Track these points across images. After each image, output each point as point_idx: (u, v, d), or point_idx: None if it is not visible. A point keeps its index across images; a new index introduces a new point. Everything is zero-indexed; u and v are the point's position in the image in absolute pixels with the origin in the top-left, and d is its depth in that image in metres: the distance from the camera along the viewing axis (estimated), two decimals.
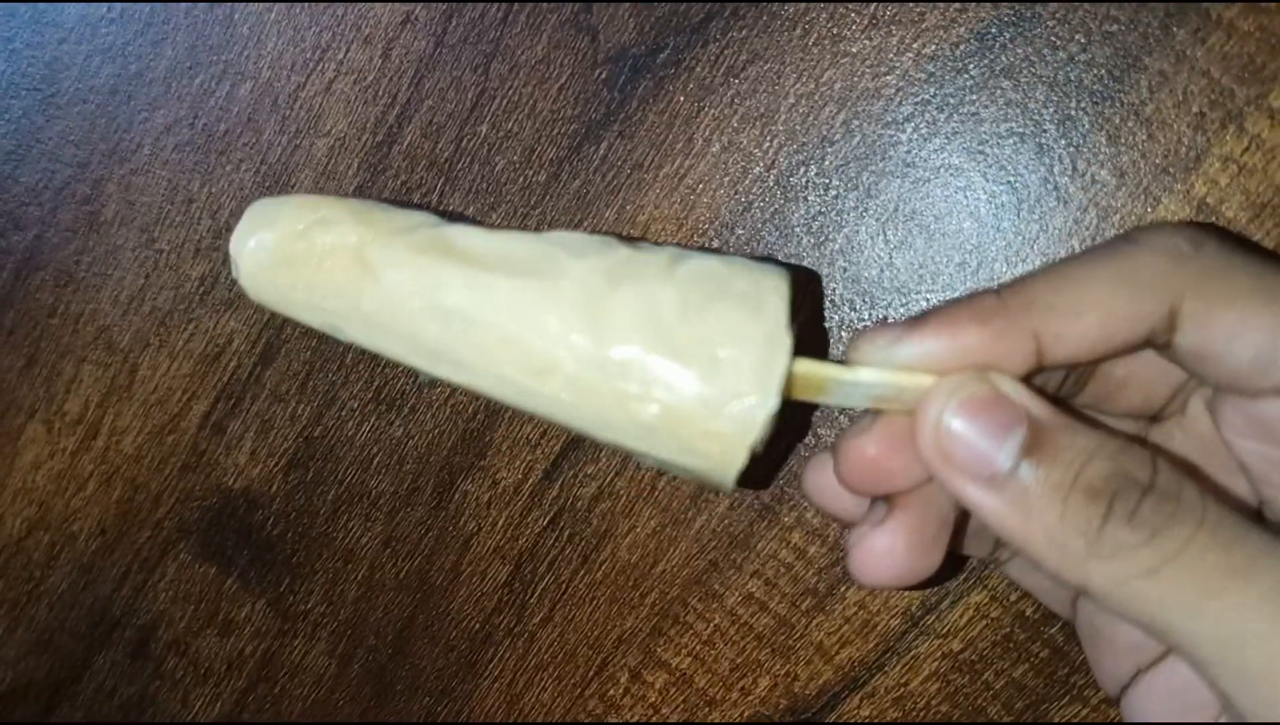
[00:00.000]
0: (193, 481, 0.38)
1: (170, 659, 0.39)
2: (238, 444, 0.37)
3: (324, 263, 0.23)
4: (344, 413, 0.35)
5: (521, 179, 0.32)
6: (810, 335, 0.30)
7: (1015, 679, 0.30)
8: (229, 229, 0.36)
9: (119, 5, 0.37)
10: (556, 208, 0.32)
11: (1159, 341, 0.20)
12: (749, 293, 0.22)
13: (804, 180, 0.30)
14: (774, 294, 0.22)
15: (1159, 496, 0.18)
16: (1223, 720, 0.21)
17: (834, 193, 0.29)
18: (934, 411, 0.20)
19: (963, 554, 0.27)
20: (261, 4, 0.34)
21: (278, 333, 0.36)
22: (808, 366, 0.21)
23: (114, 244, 0.37)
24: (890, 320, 0.21)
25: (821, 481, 0.25)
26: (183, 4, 0.36)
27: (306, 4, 0.34)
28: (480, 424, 0.34)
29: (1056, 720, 0.30)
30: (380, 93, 0.33)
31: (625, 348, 0.21)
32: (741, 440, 0.21)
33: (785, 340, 0.21)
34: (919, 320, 0.20)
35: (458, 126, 0.33)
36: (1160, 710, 0.23)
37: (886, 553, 0.22)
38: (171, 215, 0.37)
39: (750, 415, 0.21)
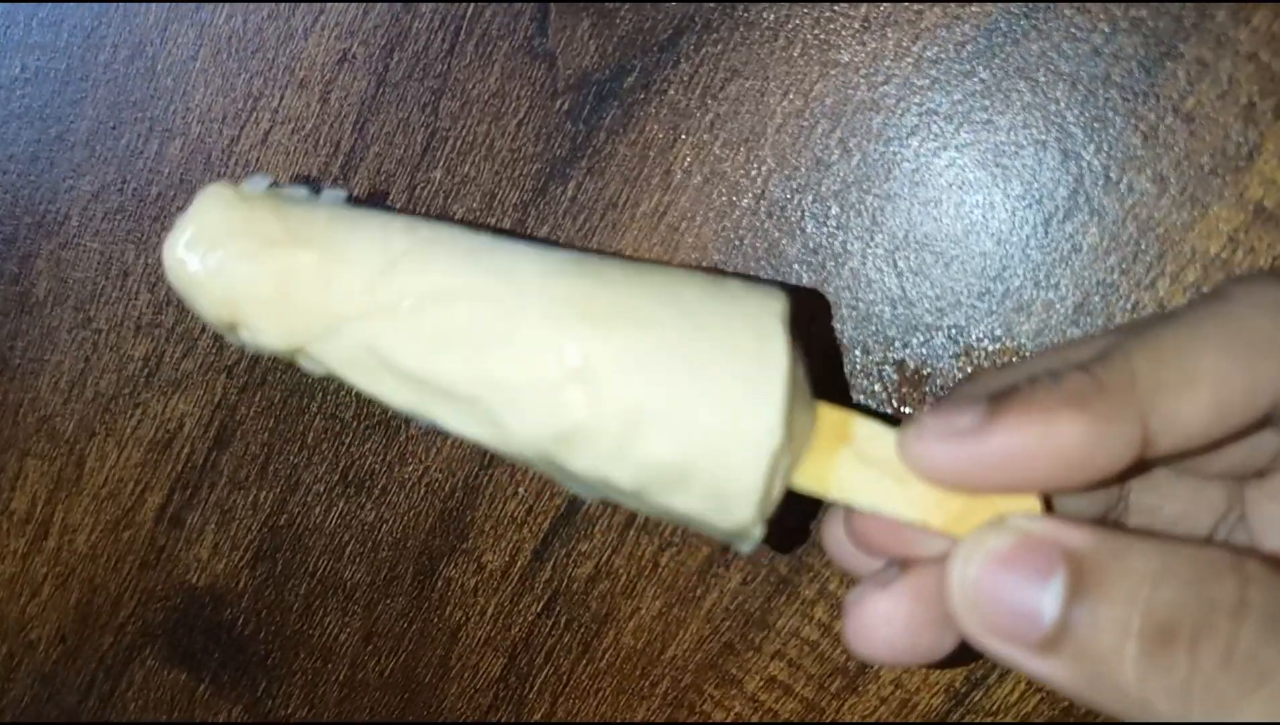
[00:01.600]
0: (154, 579, 0.35)
1: None
2: (198, 537, 0.34)
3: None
4: (309, 497, 0.33)
5: (488, 221, 0.29)
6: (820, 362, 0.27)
7: None
8: (169, 302, 0.33)
9: (32, 65, 0.34)
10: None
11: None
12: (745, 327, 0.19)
13: (800, 209, 0.27)
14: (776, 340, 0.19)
15: (1261, 621, 0.15)
16: None
17: (835, 221, 0.27)
18: (958, 580, 0.17)
19: None
20: (186, 55, 0.32)
21: (231, 413, 0.33)
22: (833, 414, 0.19)
23: (49, 325, 0.35)
24: (946, 403, 0.18)
25: (841, 535, 0.22)
26: (100, 59, 0.33)
27: (235, 51, 0.31)
28: (459, 503, 0.31)
29: None
30: (321, 141, 0.31)
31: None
32: (753, 487, 0.18)
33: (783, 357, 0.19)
34: (998, 405, 0.17)
35: (409, 173, 0.30)
36: None
37: (884, 621, 0.19)
38: (107, 291, 0.34)
39: (756, 457, 0.18)
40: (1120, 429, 0.16)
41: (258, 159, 0.32)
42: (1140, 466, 0.17)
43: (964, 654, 0.19)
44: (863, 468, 0.19)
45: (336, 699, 0.34)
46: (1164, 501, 0.20)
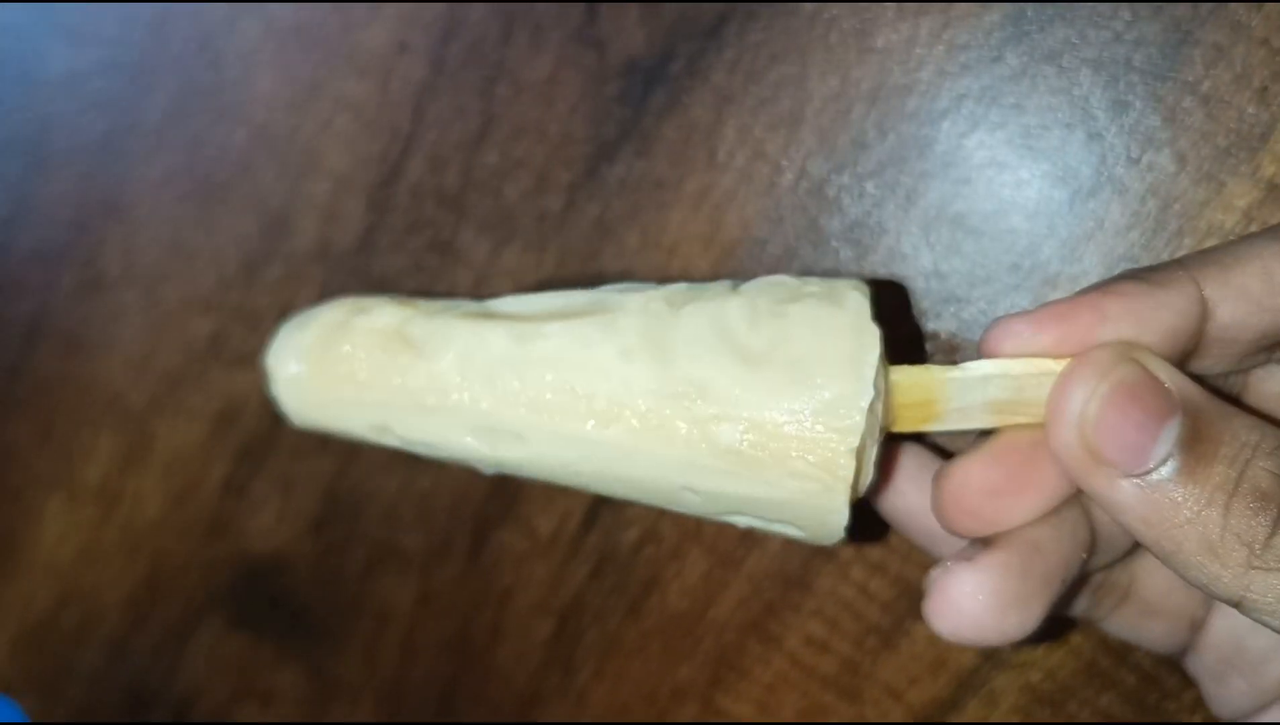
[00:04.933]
0: (219, 548, 0.39)
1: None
2: (261, 506, 0.38)
3: (364, 351, 0.24)
4: (367, 466, 0.36)
5: (535, 208, 0.33)
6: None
7: (1101, 709, 0.30)
8: (236, 282, 0.37)
9: (105, 57, 0.38)
10: (575, 236, 0.32)
11: None
12: (823, 292, 0.22)
13: (838, 188, 0.30)
14: (852, 290, 0.22)
15: None
16: None
17: (871, 199, 0.29)
18: (1078, 398, 0.19)
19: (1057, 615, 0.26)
20: (251, 47, 0.35)
21: None
22: (910, 374, 0.21)
23: (119, 306, 0.39)
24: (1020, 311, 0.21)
25: (909, 505, 0.24)
26: (169, 51, 0.37)
27: (298, 41, 0.35)
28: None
29: None
30: (381, 127, 0.34)
31: (696, 367, 0.21)
32: (842, 444, 0.20)
33: (872, 328, 0.21)
34: (1067, 299, 0.20)
35: (464, 156, 0.33)
36: None
37: (971, 598, 0.20)
38: (175, 271, 0.38)
39: (847, 412, 0.20)
40: (1179, 289, 0.19)
41: (319, 144, 0.35)
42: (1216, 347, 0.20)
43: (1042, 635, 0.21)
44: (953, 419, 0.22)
45: (393, 661, 0.37)
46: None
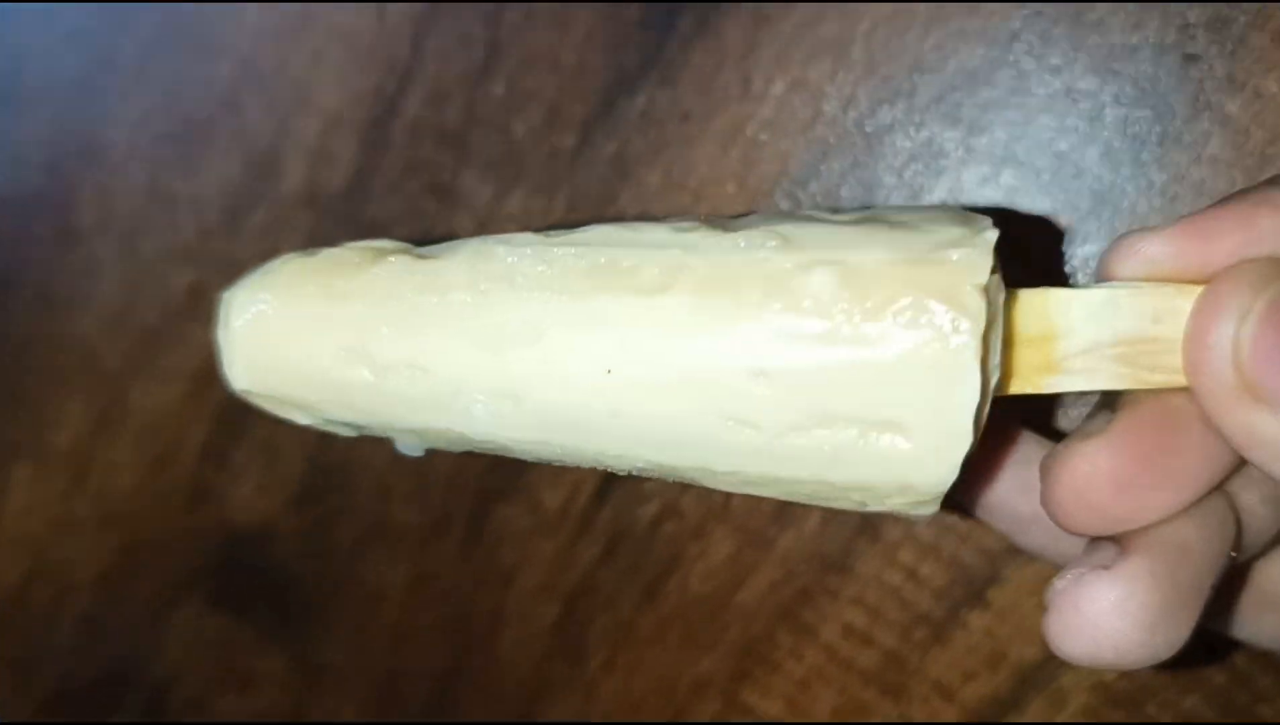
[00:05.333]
0: (197, 520, 0.36)
1: (189, 720, 0.37)
2: (243, 475, 0.35)
3: (347, 267, 0.19)
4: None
5: (546, 145, 0.29)
6: None
7: (1185, 711, 0.27)
8: (218, 231, 0.34)
9: None
10: (589, 176, 0.29)
11: None
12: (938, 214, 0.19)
13: (890, 120, 0.26)
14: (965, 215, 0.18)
15: None
16: None
17: (928, 133, 0.26)
18: (1229, 319, 0.16)
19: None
20: None
21: None
22: (1029, 295, 0.18)
23: (93, 256, 0.36)
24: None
25: (1000, 495, 0.21)
26: None
27: None
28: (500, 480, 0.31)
29: None
30: (376, 58, 0.31)
31: (774, 224, 0.18)
32: (966, 278, 0.17)
33: (983, 220, 0.18)
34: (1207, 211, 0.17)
35: (468, 90, 0.30)
36: None
37: (1112, 614, 0.17)
38: (153, 219, 0.35)
39: (970, 248, 0.17)
40: None
41: (309, 78, 0.32)
42: None
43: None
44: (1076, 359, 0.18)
45: (385, 647, 0.34)
46: None
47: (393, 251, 0.19)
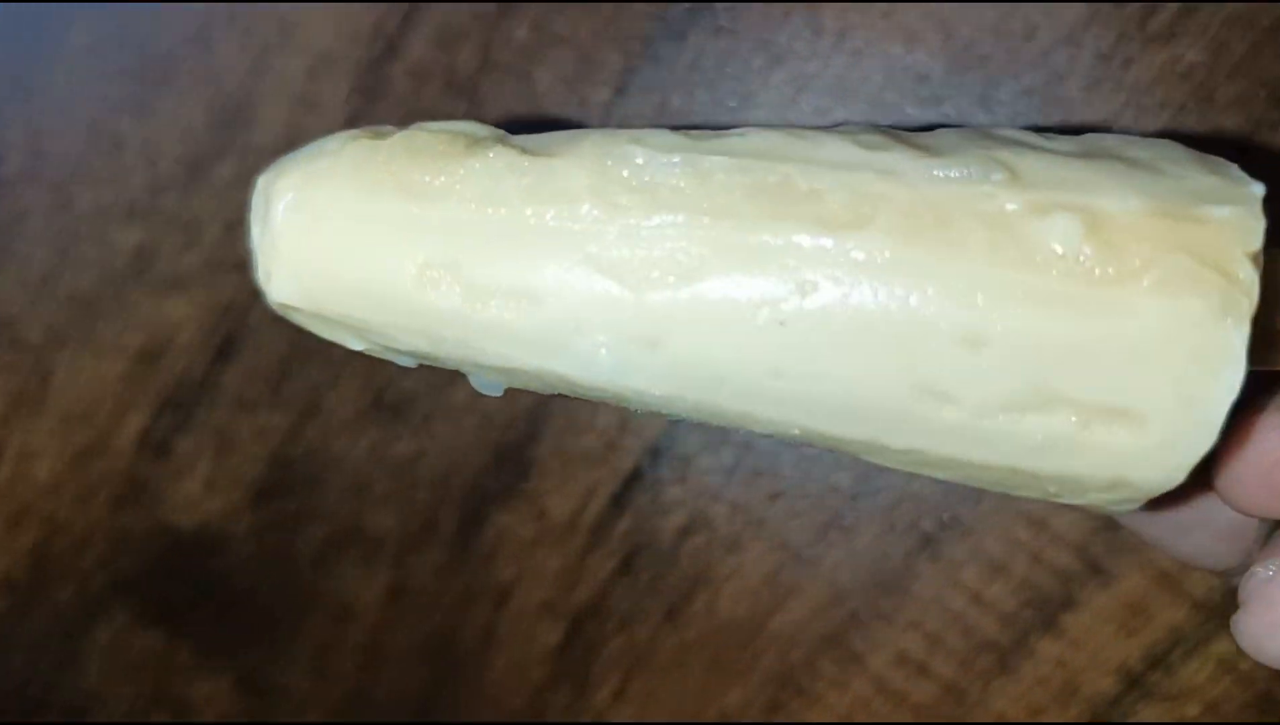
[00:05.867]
0: (129, 520, 0.31)
1: None
2: (189, 469, 0.31)
3: (427, 155, 0.16)
4: (333, 424, 0.29)
5: (574, 98, 0.26)
6: None
7: None
8: (173, 183, 0.29)
9: None
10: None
11: None
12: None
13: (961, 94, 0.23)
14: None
15: None
16: None
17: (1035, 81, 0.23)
18: None
19: None
20: None
21: (241, 320, 0.29)
22: None
23: (19, 208, 0.31)
24: None
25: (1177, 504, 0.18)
26: None
27: None
28: (520, 435, 0.28)
29: None
30: None
31: (987, 148, 0.15)
32: (1237, 244, 0.14)
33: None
34: None
35: (485, 31, 0.26)
36: None
37: None
38: (95, 167, 0.30)
39: (1237, 202, 0.14)
40: None
41: (295, 12, 0.28)
42: None
43: None
44: None
45: (352, 669, 0.30)
46: None
47: (488, 140, 0.16)
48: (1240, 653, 0.24)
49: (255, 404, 0.30)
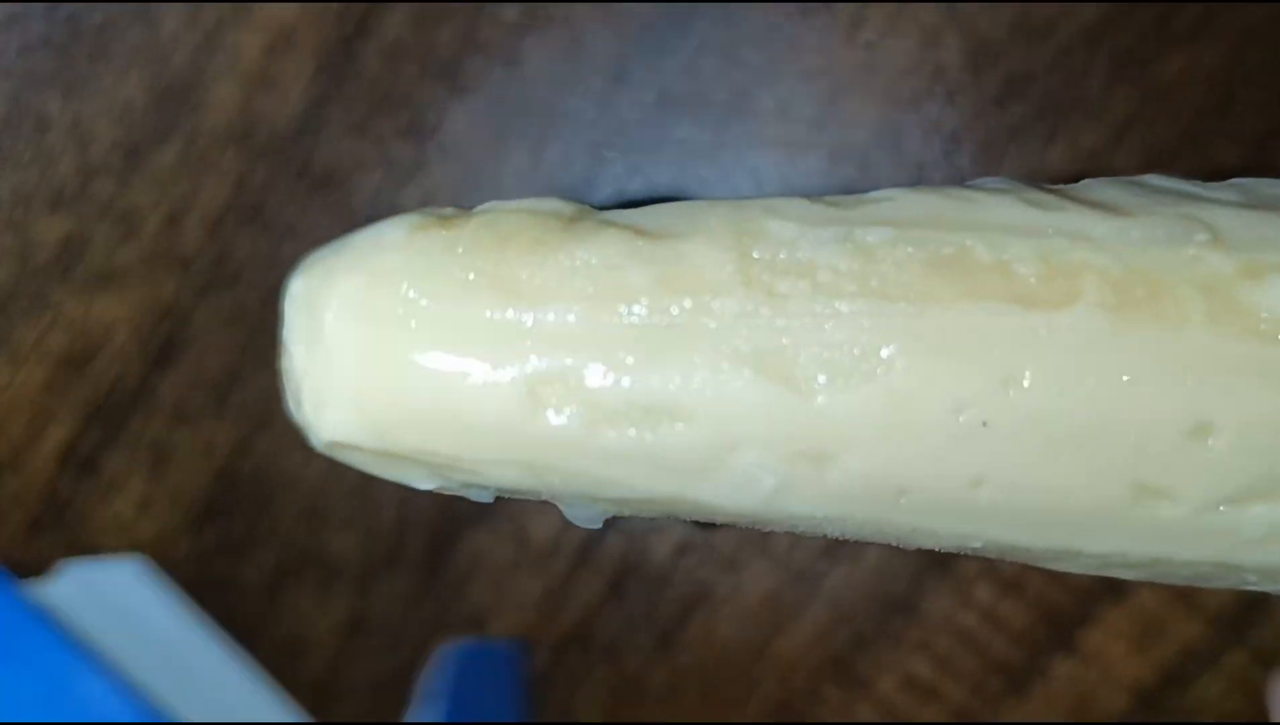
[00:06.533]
0: (50, 545, 0.28)
1: None
2: (119, 488, 0.28)
3: (516, 245, 0.13)
4: (285, 439, 0.27)
5: (567, 84, 0.24)
6: None
7: None
8: (107, 169, 0.26)
9: None
10: (623, 125, 0.24)
11: None
12: None
13: (988, 92, 0.22)
14: None
15: None
16: None
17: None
18: None
19: None
20: None
21: (183, 323, 0.27)
22: None
23: None
24: None
25: None
26: None
27: None
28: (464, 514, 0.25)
29: None
30: None
31: (1187, 206, 0.13)
32: None
33: None
34: None
35: (470, 10, 0.24)
36: None
37: None
38: (15, 151, 0.27)
39: None
40: None
41: None
42: None
43: None
44: None
45: (309, 705, 0.27)
46: None
47: (579, 219, 0.13)
48: (1252, 663, 0.24)
49: (198, 415, 0.27)
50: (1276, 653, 0.23)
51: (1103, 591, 0.24)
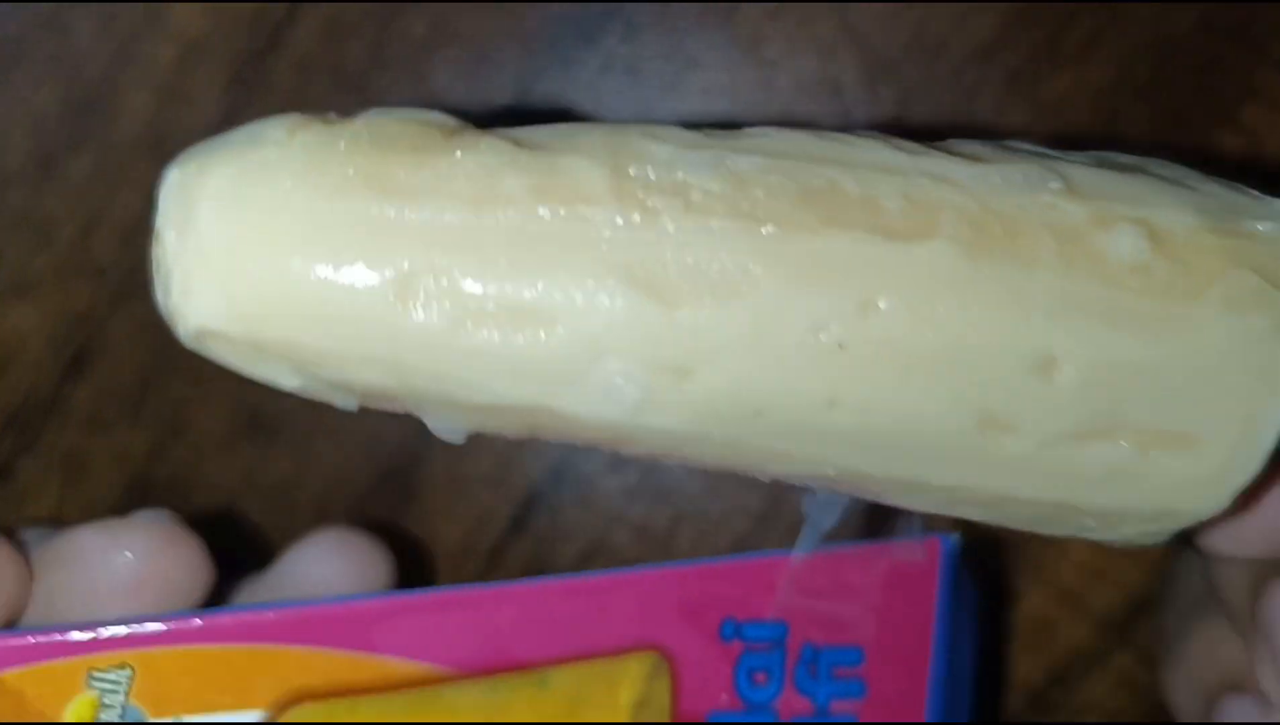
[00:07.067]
0: None
1: None
2: (34, 496, 0.28)
3: (399, 147, 0.13)
4: (201, 444, 0.28)
5: (472, 97, 0.25)
6: None
7: None
8: (21, 179, 0.27)
9: None
10: None
11: None
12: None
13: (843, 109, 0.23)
14: None
15: None
16: None
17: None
18: None
19: None
20: None
21: (98, 331, 0.27)
22: None
23: None
24: None
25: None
26: None
27: None
28: (408, 457, 0.26)
29: None
30: None
31: (1042, 161, 0.13)
32: None
33: None
34: None
35: (378, 25, 0.25)
36: None
37: None
38: None
39: None
40: None
41: None
42: None
43: None
44: None
45: None
46: None
47: (459, 131, 0.13)
48: (1137, 665, 0.24)
49: (112, 423, 0.27)
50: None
51: (989, 594, 0.25)
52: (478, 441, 0.25)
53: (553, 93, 0.25)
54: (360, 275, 0.13)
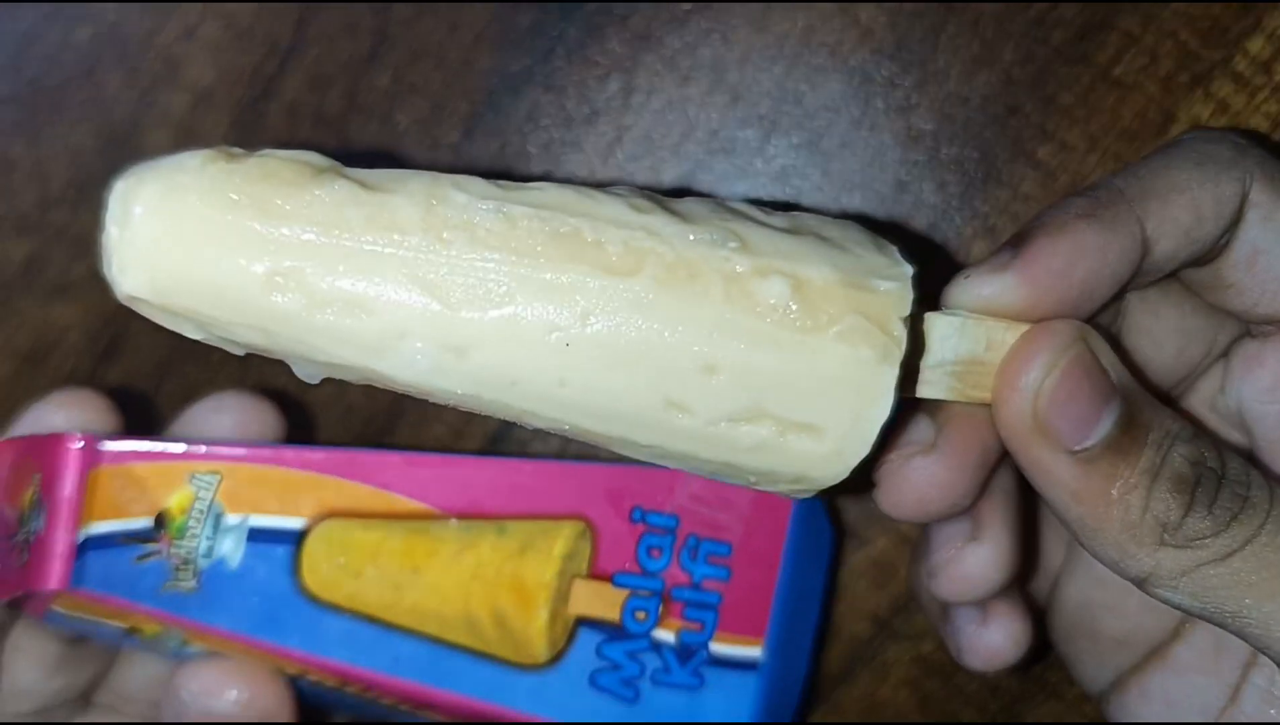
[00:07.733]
0: None
1: None
2: None
3: (277, 181, 0.18)
4: None
5: (428, 138, 0.30)
6: None
7: (989, 680, 0.30)
8: (62, 201, 0.32)
9: None
10: (470, 172, 0.30)
11: (1217, 247, 0.21)
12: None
13: (756, 144, 0.29)
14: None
15: (1233, 483, 0.19)
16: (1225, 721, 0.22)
17: (787, 160, 0.29)
18: (1037, 370, 0.19)
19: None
20: None
21: (125, 326, 0.32)
22: (927, 318, 0.20)
23: None
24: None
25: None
26: None
27: None
28: (379, 428, 0.31)
29: (1032, 720, 0.29)
30: (256, 38, 0.31)
31: (726, 221, 0.19)
32: (893, 307, 0.19)
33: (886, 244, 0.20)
34: (1024, 236, 0.20)
35: (351, 78, 0.30)
36: (1155, 713, 0.23)
37: (929, 483, 0.21)
38: None
39: (894, 277, 0.19)
40: (1126, 229, 0.20)
41: (181, 53, 0.31)
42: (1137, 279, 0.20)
43: None
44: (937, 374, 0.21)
45: None
46: (1155, 322, 0.23)
47: (326, 170, 0.19)
48: None
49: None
50: None
51: (847, 539, 0.30)
52: (433, 416, 0.31)
53: (491, 133, 0.30)
54: (241, 269, 0.18)
